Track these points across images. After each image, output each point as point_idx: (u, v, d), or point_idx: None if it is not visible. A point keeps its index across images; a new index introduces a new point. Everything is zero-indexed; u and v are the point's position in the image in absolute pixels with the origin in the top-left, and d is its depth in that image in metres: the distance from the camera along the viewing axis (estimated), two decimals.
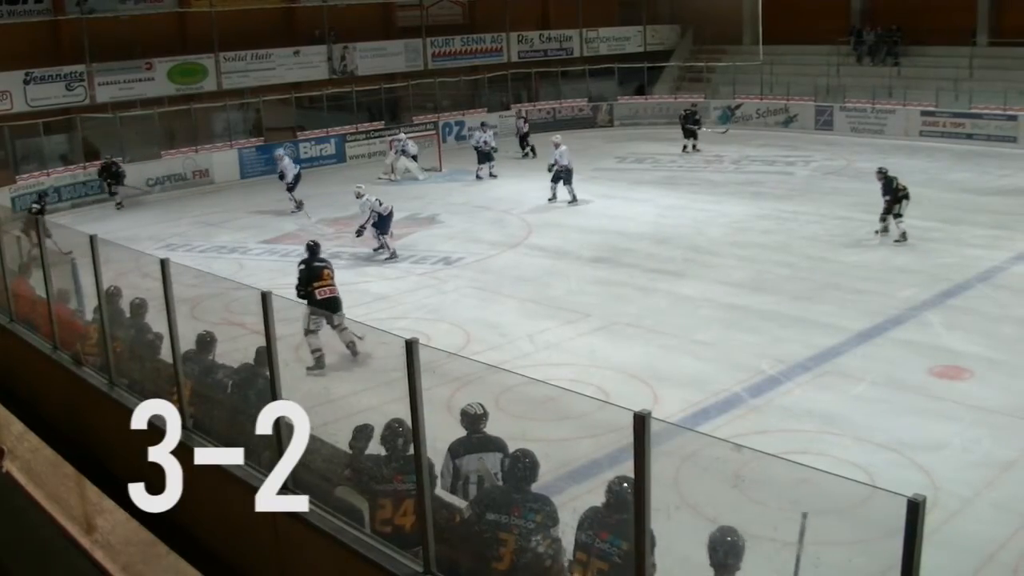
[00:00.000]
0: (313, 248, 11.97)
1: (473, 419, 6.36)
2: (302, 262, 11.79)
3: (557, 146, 20.12)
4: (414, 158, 23.82)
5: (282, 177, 20.74)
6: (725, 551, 4.26)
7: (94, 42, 24.21)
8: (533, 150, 26.48)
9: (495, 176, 23.02)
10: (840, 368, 10.80)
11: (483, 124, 24.22)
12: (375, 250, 16.43)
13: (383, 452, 5.42)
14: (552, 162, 20.20)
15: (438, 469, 5.48)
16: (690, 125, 25.92)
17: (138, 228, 19.50)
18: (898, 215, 15.90)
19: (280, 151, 22.17)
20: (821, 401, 9.87)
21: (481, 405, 6.46)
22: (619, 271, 15.12)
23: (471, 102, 31.23)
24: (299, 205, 20.44)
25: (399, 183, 23.43)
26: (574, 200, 19.84)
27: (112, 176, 22.12)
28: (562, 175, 20.00)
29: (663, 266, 15.25)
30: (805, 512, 4.20)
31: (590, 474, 8.05)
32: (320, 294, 11.35)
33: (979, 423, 9.20)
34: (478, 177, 23.07)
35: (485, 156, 23.14)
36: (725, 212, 18.80)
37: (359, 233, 16.41)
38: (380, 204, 16.25)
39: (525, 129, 26.91)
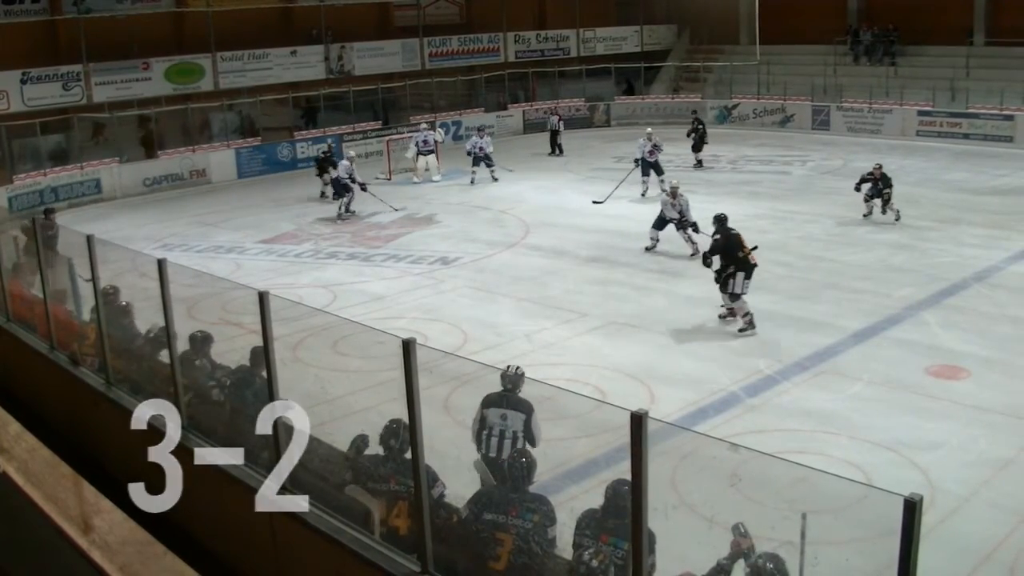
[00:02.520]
0: (723, 219, 12.42)
1: (509, 379, 7.10)
2: (716, 232, 12.24)
3: (650, 138, 20.41)
4: (487, 159, 22.94)
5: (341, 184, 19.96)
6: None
7: (91, 42, 24.17)
8: (560, 148, 26.49)
9: (496, 179, 22.92)
10: (837, 367, 10.82)
11: (480, 129, 24.16)
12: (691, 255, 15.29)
13: (381, 452, 5.42)
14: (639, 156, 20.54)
15: (438, 469, 5.47)
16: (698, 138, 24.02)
17: (135, 228, 19.48)
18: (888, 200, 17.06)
19: (344, 162, 20.50)
20: (818, 400, 9.88)
21: (519, 367, 7.24)
22: (616, 271, 15.13)
23: (468, 102, 31.23)
24: (345, 208, 19.73)
25: (397, 183, 23.39)
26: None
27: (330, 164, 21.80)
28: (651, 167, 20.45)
29: (660, 266, 15.26)
30: (804, 512, 4.20)
31: (587, 474, 8.06)
32: (752, 259, 11.91)
33: (976, 422, 9.21)
34: (472, 182, 22.85)
35: (479, 160, 22.94)
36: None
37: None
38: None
39: (559, 127, 26.95)
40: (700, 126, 24.22)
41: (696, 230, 15.25)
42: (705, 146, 24.05)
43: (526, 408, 6.99)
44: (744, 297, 11.94)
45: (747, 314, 11.92)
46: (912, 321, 12.25)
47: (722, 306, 12.30)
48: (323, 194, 21.44)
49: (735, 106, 30.75)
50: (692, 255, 15.03)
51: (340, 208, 19.61)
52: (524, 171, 24.24)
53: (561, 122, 27.37)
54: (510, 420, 6.91)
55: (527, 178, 23.37)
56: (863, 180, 17.41)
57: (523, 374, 7.20)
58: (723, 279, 12.01)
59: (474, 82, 31.59)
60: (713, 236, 12.36)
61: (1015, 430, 9.05)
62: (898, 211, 17.05)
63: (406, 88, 29.43)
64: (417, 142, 23.62)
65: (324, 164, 21.79)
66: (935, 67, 27.85)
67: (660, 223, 15.85)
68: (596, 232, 17.57)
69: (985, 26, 28.35)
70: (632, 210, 19.36)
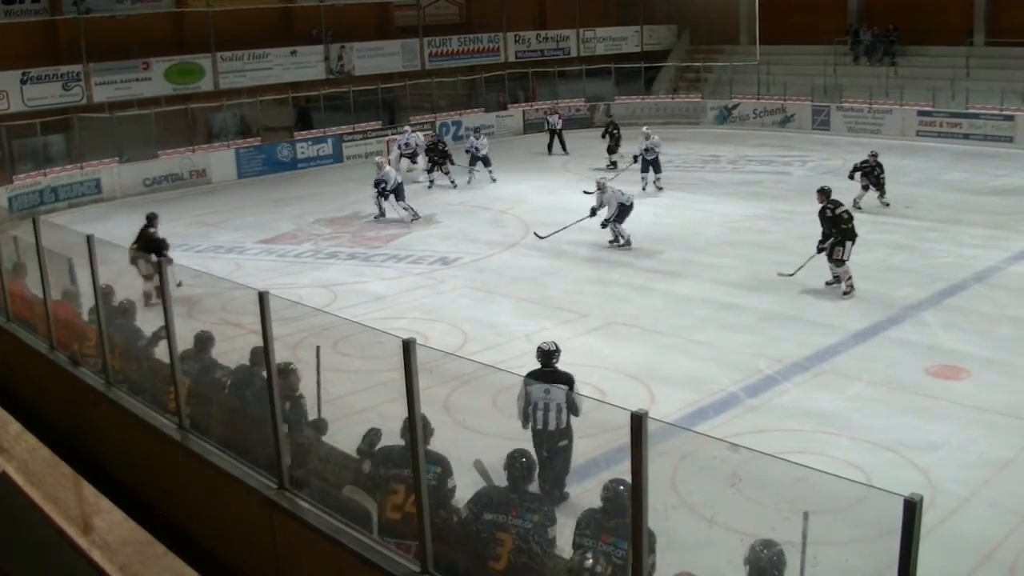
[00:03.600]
0: (828, 191, 13.50)
1: (545, 354, 7.78)
2: (827, 207, 13.24)
3: (648, 137, 20.59)
4: (484, 160, 22.86)
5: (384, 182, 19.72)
6: (765, 566, 4.21)
7: (91, 42, 24.18)
8: (564, 147, 26.53)
9: (495, 180, 22.89)
10: (837, 368, 10.82)
11: (477, 130, 24.14)
12: (610, 242, 16.36)
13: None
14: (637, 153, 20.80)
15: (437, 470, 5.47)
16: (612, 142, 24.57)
17: (135, 228, 19.43)
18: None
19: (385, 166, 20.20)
20: (818, 401, 9.88)
21: (555, 343, 7.96)
22: (616, 271, 15.13)
23: (468, 102, 31.23)
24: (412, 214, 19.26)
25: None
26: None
27: (440, 155, 22.20)
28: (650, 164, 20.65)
29: (660, 266, 15.26)
30: (806, 512, 4.20)
31: (587, 474, 8.05)
32: (853, 227, 13.09)
33: (976, 422, 9.22)
34: (468, 182, 22.84)
35: (475, 160, 22.92)
36: (722, 212, 18.82)
37: (604, 224, 16.35)
38: (623, 195, 16.40)
39: (559, 125, 26.97)
40: (615, 130, 24.58)
41: (606, 224, 16.22)
42: (619, 148, 24.40)
43: (566, 380, 7.67)
44: (847, 264, 13.20)
45: (850, 278, 13.18)
46: (912, 321, 12.25)
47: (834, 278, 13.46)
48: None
49: (735, 106, 30.75)
50: (612, 243, 16.16)
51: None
52: (524, 171, 24.23)
53: (561, 120, 27.37)
54: (552, 393, 7.44)
55: (527, 178, 23.36)
56: (856, 168, 18.16)
57: (558, 349, 7.85)
58: (831, 247, 13.22)
59: (474, 82, 31.60)
60: (821, 210, 13.44)
61: (1015, 430, 9.05)
62: (887, 201, 18.08)
63: (406, 88, 29.44)
64: (399, 144, 23.68)
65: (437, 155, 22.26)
66: (935, 67, 27.86)
67: (619, 217, 16.21)
68: (596, 232, 17.55)
69: (985, 26, 28.36)
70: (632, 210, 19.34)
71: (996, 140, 25.22)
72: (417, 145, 23.66)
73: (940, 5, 28.32)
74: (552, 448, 7.24)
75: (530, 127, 30.50)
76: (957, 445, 8.80)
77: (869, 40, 30.27)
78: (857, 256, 15.20)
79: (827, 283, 13.50)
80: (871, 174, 17.97)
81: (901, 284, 13.69)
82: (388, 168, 19.26)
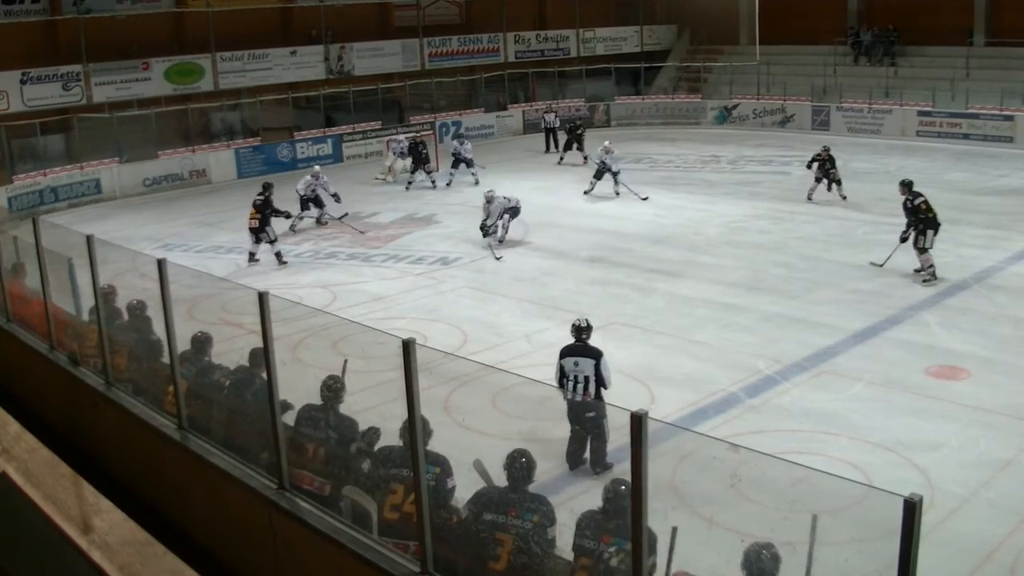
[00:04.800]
0: (910, 184, 14.13)
1: (578, 330, 8.42)
2: (909, 199, 13.97)
3: (608, 152, 20.59)
4: (468, 162, 22.90)
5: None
6: (763, 567, 4.21)
7: (91, 42, 24.17)
8: (558, 145, 26.60)
9: (477, 183, 22.83)
10: (837, 368, 10.82)
11: (461, 137, 24.14)
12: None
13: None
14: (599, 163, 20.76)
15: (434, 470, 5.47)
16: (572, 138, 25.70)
17: (135, 228, 19.49)
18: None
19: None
20: (818, 401, 9.88)
21: (587, 320, 8.60)
22: (616, 271, 15.13)
23: (468, 102, 31.23)
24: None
25: (399, 183, 23.38)
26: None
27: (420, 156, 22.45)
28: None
29: (660, 266, 15.26)
30: (815, 515, 4.20)
31: (587, 474, 8.07)
32: (933, 216, 13.64)
33: (976, 423, 9.22)
34: (447, 184, 22.82)
35: (458, 163, 22.94)
36: (722, 212, 18.82)
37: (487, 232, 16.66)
38: (508, 201, 16.84)
39: (555, 124, 27.05)
40: (580, 131, 25.44)
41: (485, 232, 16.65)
42: (574, 147, 25.20)
43: (595, 354, 8.25)
44: (930, 251, 13.70)
45: (930, 266, 13.66)
46: (912, 322, 12.26)
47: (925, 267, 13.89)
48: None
49: (735, 106, 30.75)
50: (490, 236, 16.59)
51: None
52: (523, 171, 24.23)
53: (557, 119, 27.37)
54: (581, 365, 8.16)
55: (527, 178, 23.34)
56: (814, 159, 19.32)
57: (590, 325, 8.50)
58: (914, 236, 13.81)
59: (474, 82, 31.60)
60: (904, 203, 14.08)
61: (1015, 430, 9.05)
62: (844, 194, 19.05)
63: (406, 88, 29.43)
64: (395, 150, 23.77)
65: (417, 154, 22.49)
66: (935, 67, 27.86)
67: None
68: (596, 232, 17.57)
69: (985, 26, 28.36)
70: (632, 210, 19.38)
71: (996, 140, 25.22)
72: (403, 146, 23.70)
73: (940, 5, 28.32)
74: (584, 420, 8.05)
75: (530, 127, 30.49)
76: (957, 445, 8.80)
77: (869, 40, 30.27)
78: (857, 256, 15.25)
79: (915, 270, 13.99)
80: (822, 167, 19.04)
81: (901, 284, 13.70)
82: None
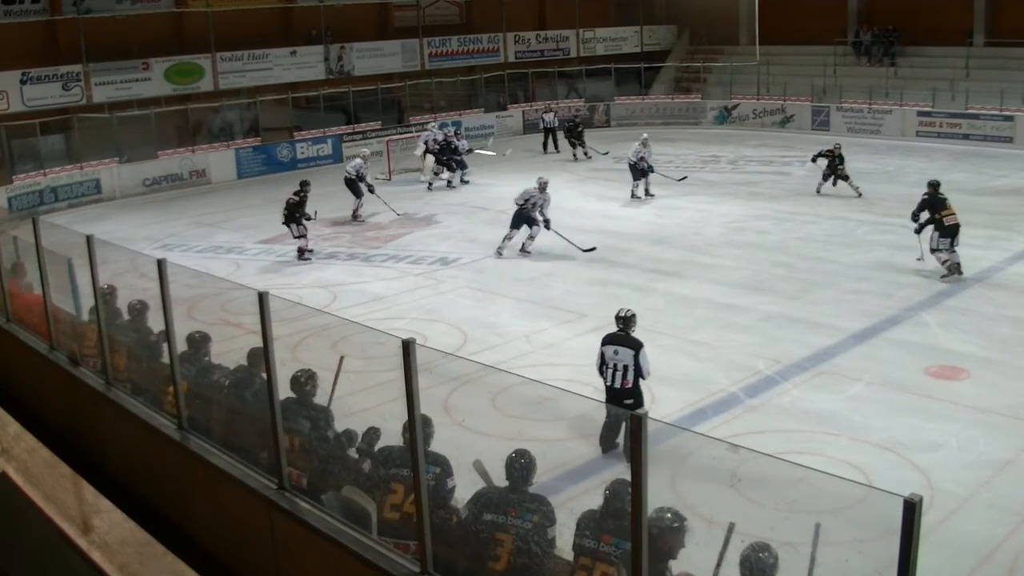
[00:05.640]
0: (935, 184, 14.18)
1: (620, 320, 8.83)
2: (926, 194, 14.10)
3: (646, 144, 20.50)
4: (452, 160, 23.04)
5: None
6: (758, 569, 4.21)
7: (91, 42, 24.18)
8: (557, 146, 26.67)
9: (467, 183, 23.05)
10: (837, 368, 10.82)
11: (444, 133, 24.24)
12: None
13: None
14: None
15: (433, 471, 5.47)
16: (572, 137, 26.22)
17: (134, 228, 19.49)
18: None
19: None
20: (818, 401, 9.88)
21: (631, 310, 8.98)
22: (616, 271, 15.13)
23: (468, 102, 31.24)
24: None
25: (397, 183, 23.37)
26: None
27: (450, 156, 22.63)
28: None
29: (660, 266, 15.26)
30: (818, 523, 4.19)
31: (587, 474, 8.08)
32: (947, 221, 13.67)
33: (975, 423, 9.22)
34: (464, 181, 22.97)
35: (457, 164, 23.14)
36: (722, 212, 18.82)
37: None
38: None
39: (554, 124, 27.12)
40: (579, 130, 25.86)
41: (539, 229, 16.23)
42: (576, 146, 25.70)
43: (635, 345, 8.56)
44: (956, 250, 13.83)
45: (946, 261, 13.77)
46: (912, 322, 12.26)
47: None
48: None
49: (735, 106, 30.76)
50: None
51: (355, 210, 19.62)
52: (524, 171, 24.20)
53: (556, 119, 27.40)
54: (621, 355, 8.51)
55: (526, 179, 23.30)
56: (821, 154, 19.86)
57: (634, 315, 8.86)
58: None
59: (474, 82, 31.60)
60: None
61: (1015, 431, 9.05)
62: (858, 187, 19.54)
63: (406, 89, 29.43)
64: (426, 141, 23.66)
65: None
66: (935, 68, 27.87)
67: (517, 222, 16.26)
68: (596, 232, 17.55)
69: (985, 27, 28.36)
70: (632, 211, 19.40)
71: (996, 140, 25.22)
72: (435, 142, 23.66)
73: (940, 6, 28.33)
74: (621, 406, 8.37)
75: (530, 127, 30.51)
76: (957, 445, 8.80)
77: (869, 40, 30.28)
78: (857, 256, 15.26)
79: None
80: (831, 163, 19.62)
81: (901, 284, 13.70)
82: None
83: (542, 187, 16.43)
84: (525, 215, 16.17)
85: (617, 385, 8.52)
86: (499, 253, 16.16)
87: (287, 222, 16.62)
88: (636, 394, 8.61)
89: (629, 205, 19.95)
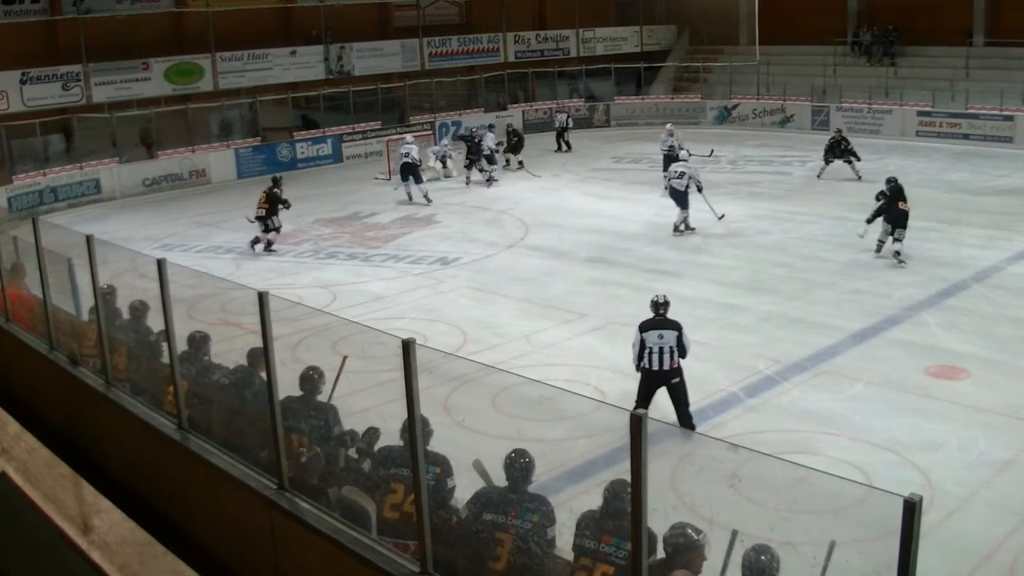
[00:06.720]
0: (893, 180, 14.94)
1: (656, 305, 9.18)
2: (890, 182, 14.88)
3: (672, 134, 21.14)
4: (486, 157, 22.99)
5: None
6: (758, 570, 4.21)
7: (90, 42, 24.17)
8: (569, 145, 26.86)
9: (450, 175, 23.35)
10: (837, 368, 10.82)
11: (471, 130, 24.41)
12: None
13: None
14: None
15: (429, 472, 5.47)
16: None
17: (134, 228, 19.48)
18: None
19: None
20: (818, 401, 9.88)
21: (665, 295, 9.34)
22: (616, 271, 15.13)
23: (468, 102, 31.23)
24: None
25: (397, 183, 23.33)
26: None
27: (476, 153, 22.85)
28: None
29: (660, 266, 15.26)
30: (833, 541, 4.17)
31: (587, 474, 8.06)
32: (902, 206, 14.53)
33: (975, 423, 9.22)
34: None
35: (445, 162, 23.45)
36: (722, 212, 18.78)
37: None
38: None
39: (569, 125, 27.47)
40: (515, 138, 25.31)
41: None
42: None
43: (676, 326, 9.01)
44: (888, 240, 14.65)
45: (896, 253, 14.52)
46: (912, 322, 12.25)
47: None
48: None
49: (735, 106, 30.75)
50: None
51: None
52: (524, 172, 24.20)
53: (570, 119, 27.64)
54: (666, 337, 8.92)
55: (527, 178, 23.36)
56: (827, 150, 21.16)
57: (668, 301, 9.21)
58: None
59: (474, 82, 31.59)
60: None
61: (1015, 431, 9.05)
62: (859, 173, 20.69)
63: (405, 89, 29.43)
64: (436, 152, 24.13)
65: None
66: (935, 67, 27.87)
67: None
68: (595, 232, 17.57)
69: (985, 26, 28.36)
70: (632, 211, 19.38)
71: (996, 140, 25.22)
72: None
73: (940, 5, 28.32)
74: (669, 387, 8.97)
75: (530, 127, 30.48)
76: (957, 445, 8.80)
77: (869, 40, 30.27)
78: (856, 256, 15.25)
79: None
80: (832, 151, 21.02)
81: (900, 284, 13.70)
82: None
83: (684, 158, 17.78)
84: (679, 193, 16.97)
85: (665, 367, 8.90)
86: (679, 231, 17.00)
87: (269, 215, 16.85)
88: (680, 372, 9.03)
89: (629, 205, 19.91)
